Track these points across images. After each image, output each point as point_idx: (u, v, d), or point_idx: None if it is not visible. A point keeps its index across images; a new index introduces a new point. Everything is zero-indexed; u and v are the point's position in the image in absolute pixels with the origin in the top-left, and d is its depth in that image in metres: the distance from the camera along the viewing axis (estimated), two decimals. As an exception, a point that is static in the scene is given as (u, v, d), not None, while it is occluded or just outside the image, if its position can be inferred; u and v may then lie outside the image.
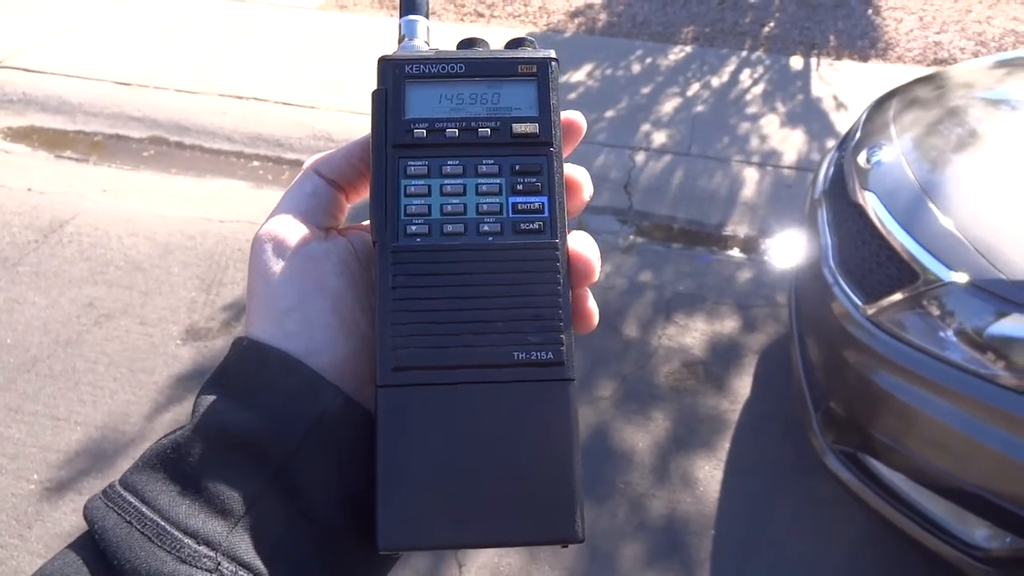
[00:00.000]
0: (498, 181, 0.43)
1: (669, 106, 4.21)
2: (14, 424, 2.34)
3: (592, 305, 0.43)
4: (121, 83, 4.26)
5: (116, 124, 4.01)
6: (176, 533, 0.35)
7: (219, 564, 0.35)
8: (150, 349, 2.63)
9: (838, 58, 4.72)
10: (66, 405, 2.41)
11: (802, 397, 2.12)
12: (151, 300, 2.84)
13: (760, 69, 4.61)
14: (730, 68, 4.61)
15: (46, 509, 2.09)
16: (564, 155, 0.44)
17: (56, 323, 2.71)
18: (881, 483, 1.86)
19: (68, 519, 2.04)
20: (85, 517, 0.36)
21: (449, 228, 0.42)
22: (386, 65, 0.44)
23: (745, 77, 4.53)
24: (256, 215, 3.27)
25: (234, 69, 4.43)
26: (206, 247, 3.10)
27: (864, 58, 4.73)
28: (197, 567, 0.34)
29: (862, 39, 4.93)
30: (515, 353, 0.40)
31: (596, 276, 0.42)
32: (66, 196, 3.40)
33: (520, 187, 0.43)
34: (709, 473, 2.28)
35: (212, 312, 2.80)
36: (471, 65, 0.44)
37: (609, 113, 4.12)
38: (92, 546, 0.35)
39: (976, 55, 4.74)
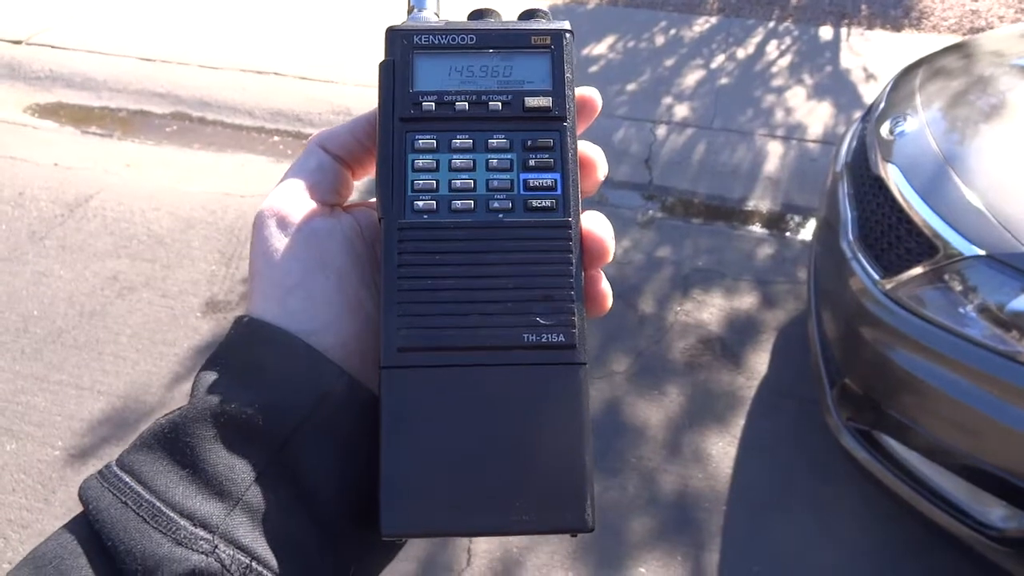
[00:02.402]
0: (509, 156, 0.41)
1: (692, 78, 4.13)
2: (40, 393, 2.41)
3: (605, 287, 0.41)
4: (145, 59, 4.30)
5: (140, 100, 4.05)
6: (172, 515, 0.34)
7: (216, 547, 0.34)
8: (171, 321, 2.68)
9: (870, 28, 4.58)
10: (90, 375, 2.47)
11: (817, 374, 2.09)
12: (173, 273, 2.89)
13: (788, 40, 4.50)
14: (756, 39, 4.50)
15: (69, 475, 2.15)
16: (578, 132, 0.43)
17: (81, 295, 2.77)
18: (896, 462, 1.83)
19: (91, 485, 2.10)
20: (80, 497, 0.35)
21: (458, 204, 0.40)
22: (394, 35, 0.43)
23: (772, 48, 4.42)
24: (275, 190, 3.29)
25: (255, 44, 4.44)
26: (227, 221, 3.14)
27: (897, 28, 4.59)
28: (193, 550, 0.33)
29: (895, 8, 4.77)
30: (525, 335, 0.38)
31: (610, 257, 0.41)
32: (91, 171, 3.45)
33: (532, 163, 0.41)
34: (722, 449, 2.26)
35: (232, 285, 2.84)
36: (482, 36, 0.43)
37: (631, 86, 4.06)
38: (87, 527, 0.34)
39: (1016, 23, 4.56)
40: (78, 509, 0.36)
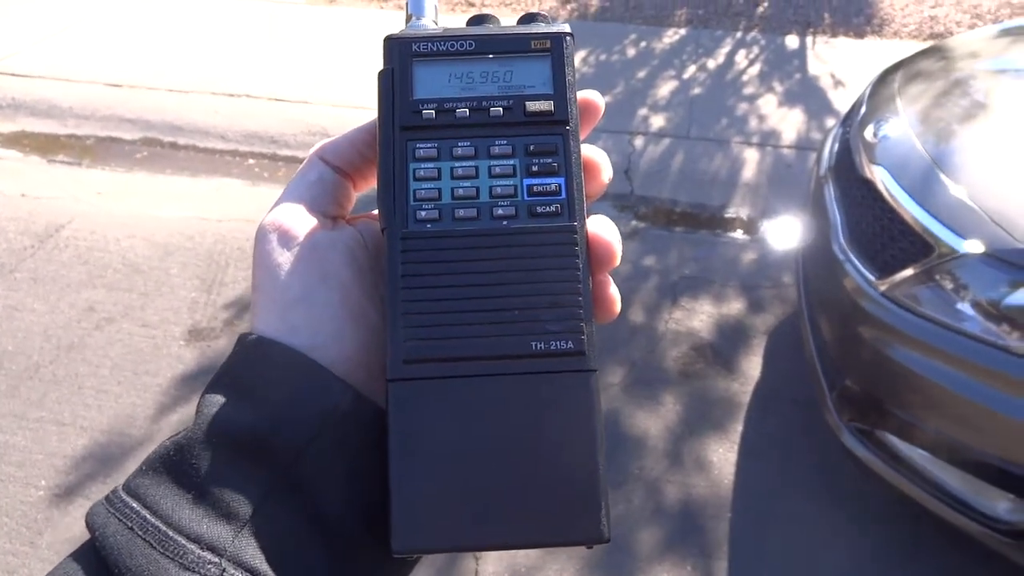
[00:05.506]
0: (512, 162, 0.41)
1: (666, 89, 4.18)
2: (19, 431, 2.31)
3: (614, 292, 0.41)
4: (112, 85, 4.21)
5: (108, 126, 3.96)
6: (179, 539, 0.33)
7: (224, 570, 0.33)
8: (153, 351, 2.60)
9: (833, 36, 4.69)
10: (71, 410, 2.38)
11: (815, 376, 2.10)
12: (152, 302, 2.81)
13: (755, 50, 4.58)
14: (725, 49, 4.58)
15: (56, 515, 2.07)
16: (581, 136, 0.42)
17: (57, 328, 2.68)
18: (900, 459, 1.85)
19: (78, 524, 2.01)
20: (87, 524, 0.35)
21: (461, 213, 0.40)
22: (392, 44, 0.42)
23: (741, 58, 4.50)
24: (253, 213, 3.23)
25: (225, 67, 4.38)
26: (205, 247, 3.07)
27: (860, 35, 4.71)
28: (201, 574, 0.33)
29: (857, 16, 4.90)
30: (533, 343, 0.38)
31: (618, 261, 0.40)
32: (61, 200, 3.35)
33: (535, 168, 0.40)
34: (723, 456, 2.26)
35: (214, 312, 2.77)
36: (481, 42, 0.42)
37: (606, 99, 4.03)
38: (94, 554, 0.34)
39: (972, 28, 4.71)
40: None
